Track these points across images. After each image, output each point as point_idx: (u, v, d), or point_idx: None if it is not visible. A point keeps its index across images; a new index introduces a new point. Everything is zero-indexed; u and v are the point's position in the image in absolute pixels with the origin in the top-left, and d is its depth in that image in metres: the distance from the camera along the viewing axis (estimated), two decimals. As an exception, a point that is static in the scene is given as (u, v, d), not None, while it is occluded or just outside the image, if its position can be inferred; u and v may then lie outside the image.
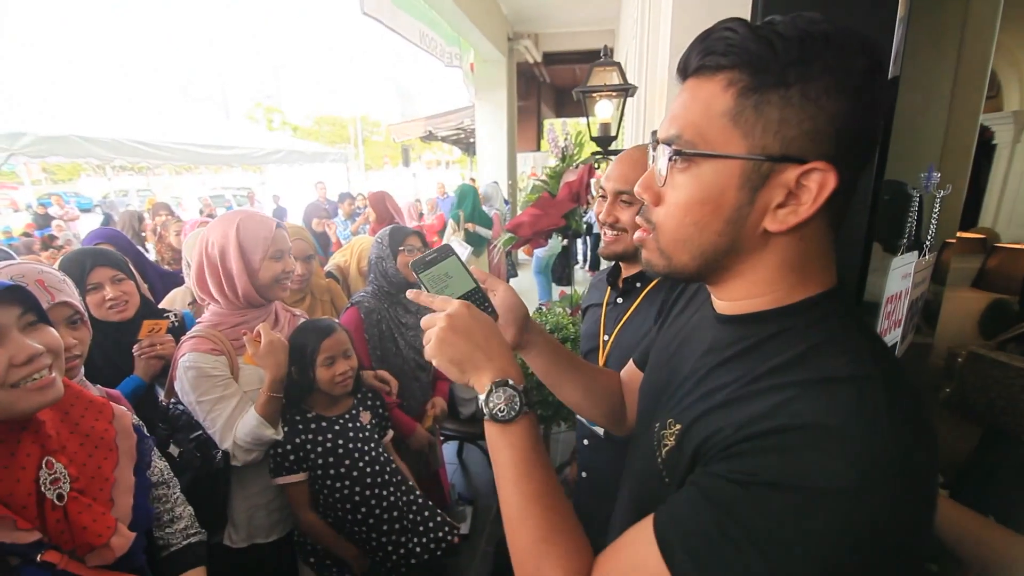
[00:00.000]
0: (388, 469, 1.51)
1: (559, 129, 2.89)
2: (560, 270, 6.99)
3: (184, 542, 1.04)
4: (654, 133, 0.55)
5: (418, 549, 1.46)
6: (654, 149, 0.52)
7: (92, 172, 16.79)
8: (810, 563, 0.39)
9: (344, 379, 1.45)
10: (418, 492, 1.55)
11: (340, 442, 1.45)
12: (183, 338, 1.34)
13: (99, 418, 0.87)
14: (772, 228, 0.48)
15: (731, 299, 0.55)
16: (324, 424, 1.45)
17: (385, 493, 1.47)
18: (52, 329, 0.77)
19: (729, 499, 0.43)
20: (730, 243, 0.50)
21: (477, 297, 0.75)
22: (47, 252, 4.84)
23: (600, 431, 1.21)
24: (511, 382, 0.57)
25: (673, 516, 0.47)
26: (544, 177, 2.90)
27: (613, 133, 1.50)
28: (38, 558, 0.71)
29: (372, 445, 1.51)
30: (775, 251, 0.50)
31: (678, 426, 0.55)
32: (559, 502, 0.56)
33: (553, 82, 10.05)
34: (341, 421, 1.48)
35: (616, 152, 1.61)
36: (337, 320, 1.64)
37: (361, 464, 1.47)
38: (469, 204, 4.06)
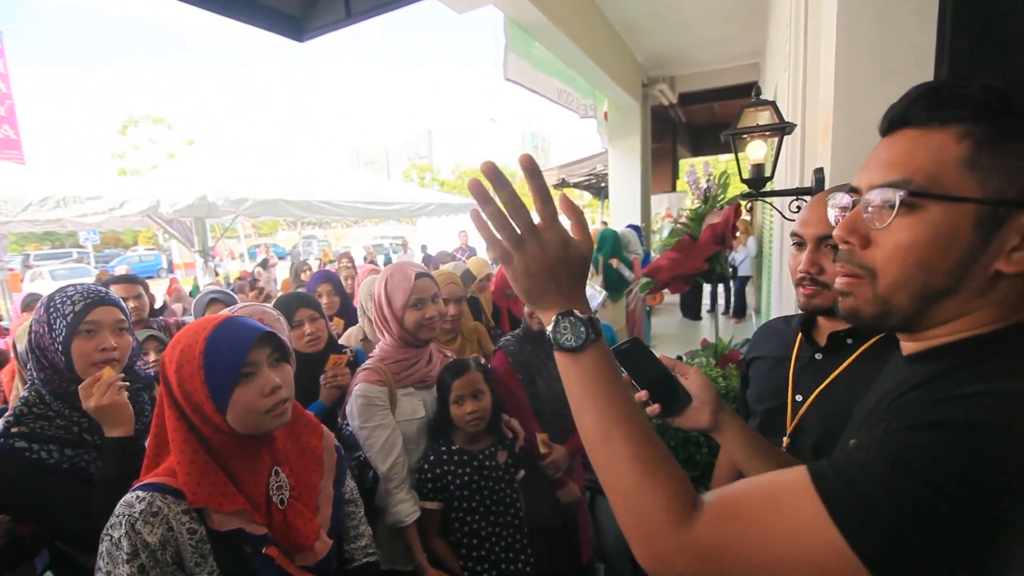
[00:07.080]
0: (512, 511, 1.55)
1: (700, 170, 2.81)
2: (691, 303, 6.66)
3: (364, 559, 1.13)
4: (849, 188, 0.57)
5: None
6: (857, 193, 0.55)
7: (287, 227, 20.62)
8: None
9: (472, 418, 1.50)
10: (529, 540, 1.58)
11: (476, 477, 1.51)
12: (358, 370, 1.55)
13: (312, 435, 1.05)
14: (1007, 269, 0.50)
15: (930, 338, 0.56)
16: (465, 458, 1.53)
17: (505, 533, 1.52)
18: (289, 366, 0.96)
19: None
20: (955, 283, 0.52)
21: (667, 382, 0.79)
22: (253, 292, 5.94)
23: None
24: (576, 312, 0.57)
25: (828, 464, 0.48)
26: (684, 220, 2.83)
27: (767, 174, 1.41)
28: (263, 550, 0.87)
29: (503, 485, 1.55)
30: (1001, 291, 0.52)
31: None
32: (645, 427, 0.55)
33: (690, 121, 9.81)
34: (480, 457, 1.54)
35: (772, 193, 1.51)
36: (481, 360, 1.75)
37: (489, 502, 1.52)
38: (608, 249, 4.04)
